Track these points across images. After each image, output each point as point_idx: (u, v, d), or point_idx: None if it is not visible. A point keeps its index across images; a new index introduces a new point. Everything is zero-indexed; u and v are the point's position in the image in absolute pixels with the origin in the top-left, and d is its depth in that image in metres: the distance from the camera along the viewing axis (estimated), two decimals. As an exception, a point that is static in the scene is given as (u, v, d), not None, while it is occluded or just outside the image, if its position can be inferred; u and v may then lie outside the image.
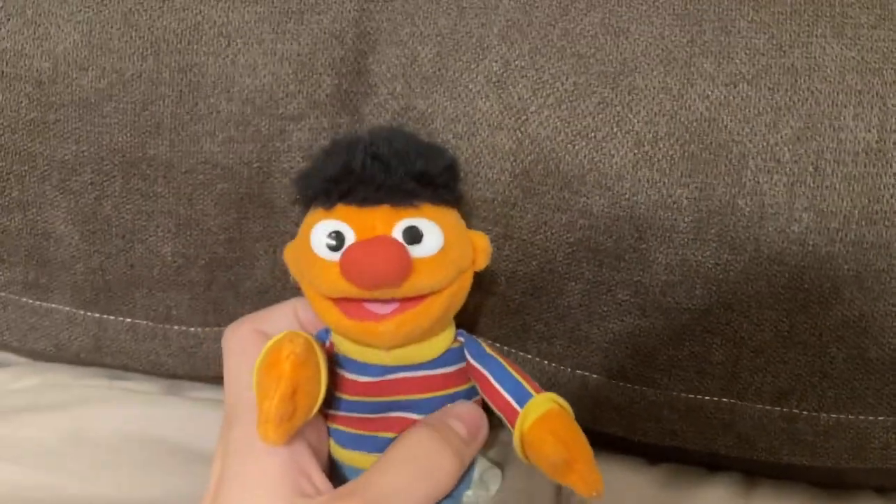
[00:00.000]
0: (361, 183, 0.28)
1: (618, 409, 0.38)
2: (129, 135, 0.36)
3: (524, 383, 0.29)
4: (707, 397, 0.37)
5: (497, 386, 0.29)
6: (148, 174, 0.37)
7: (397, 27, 0.36)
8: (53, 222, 0.38)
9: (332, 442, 0.31)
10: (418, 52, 0.36)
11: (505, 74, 0.35)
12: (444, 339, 0.31)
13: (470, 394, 0.31)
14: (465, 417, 0.30)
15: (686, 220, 0.34)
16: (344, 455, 0.31)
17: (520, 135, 0.35)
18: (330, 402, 0.30)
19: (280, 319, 0.32)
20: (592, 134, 0.35)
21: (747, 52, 0.34)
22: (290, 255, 0.31)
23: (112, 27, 0.35)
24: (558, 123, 0.35)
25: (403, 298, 0.28)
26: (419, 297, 0.28)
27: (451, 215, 0.30)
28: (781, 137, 0.34)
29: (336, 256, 0.28)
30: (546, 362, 0.38)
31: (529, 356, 0.38)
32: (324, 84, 0.36)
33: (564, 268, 0.36)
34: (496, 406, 0.30)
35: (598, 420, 0.39)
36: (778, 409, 0.37)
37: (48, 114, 0.36)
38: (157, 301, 0.39)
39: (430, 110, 0.36)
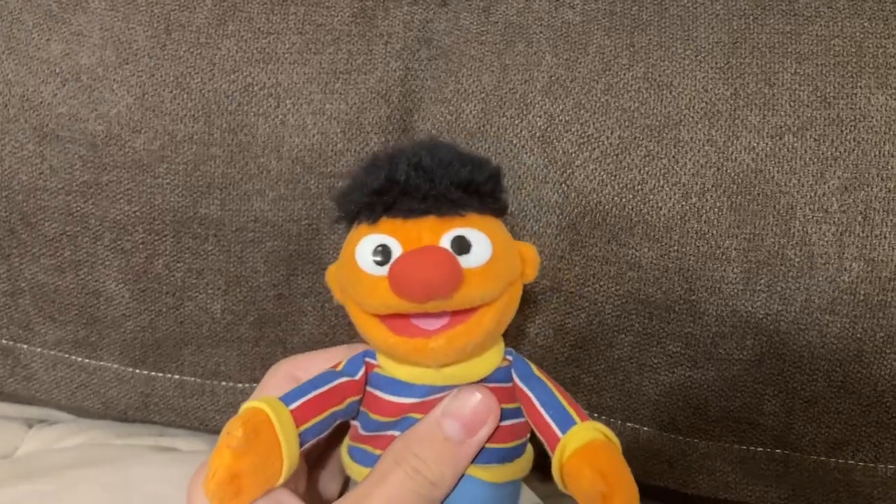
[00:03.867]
0: (405, 194, 0.27)
1: (669, 461, 0.38)
2: (180, 195, 0.37)
3: (569, 409, 0.28)
4: (760, 448, 0.37)
5: (541, 409, 0.28)
6: (199, 233, 0.37)
7: (442, 85, 0.37)
8: (105, 281, 0.38)
9: (352, 462, 0.30)
10: (463, 109, 0.37)
11: (549, 129, 0.36)
12: (494, 357, 0.30)
13: (516, 413, 0.30)
14: (458, 413, 0.28)
15: (735, 270, 0.34)
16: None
17: (566, 188, 0.35)
18: (369, 425, 0.29)
19: (320, 364, 0.31)
20: (639, 186, 0.35)
21: (792, 104, 0.35)
22: (332, 276, 0.30)
23: (164, 90, 0.36)
24: (604, 176, 0.35)
25: (454, 312, 0.27)
26: (469, 311, 0.27)
27: (498, 225, 0.29)
28: (829, 188, 0.34)
29: (383, 271, 0.27)
30: (596, 415, 0.38)
31: (579, 409, 0.38)
32: (371, 142, 0.36)
33: (613, 320, 0.36)
34: (539, 430, 0.28)
35: (650, 473, 0.38)
36: (833, 460, 0.36)
37: (101, 175, 0.37)
38: (205, 358, 0.39)
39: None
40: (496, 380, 0.29)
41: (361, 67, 0.37)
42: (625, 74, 0.36)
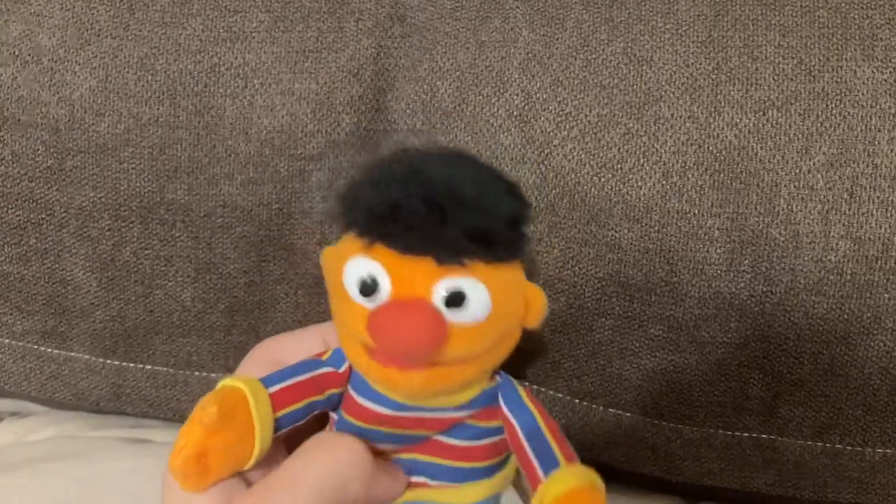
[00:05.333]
0: (408, 229, 0.24)
1: (653, 448, 0.37)
2: (146, 180, 0.36)
3: (555, 447, 0.26)
4: (746, 434, 0.36)
5: (524, 443, 0.27)
6: (166, 219, 0.36)
7: (416, 63, 0.36)
8: (72, 270, 0.37)
9: None
10: (438, 88, 0.36)
11: (526, 108, 0.35)
12: (475, 390, 0.28)
13: (496, 431, 0.29)
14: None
15: (718, 251, 0.33)
16: None
17: (543, 168, 0.34)
18: (343, 425, 0.28)
19: (305, 346, 0.30)
20: (619, 165, 0.34)
21: (775, 77, 0.34)
22: (327, 261, 0.28)
23: (128, 72, 0.35)
24: (583, 156, 0.34)
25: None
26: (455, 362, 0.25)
27: (507, 273, 0.26)
28: (814, 164, 0.33)
29: (365, 303, 0.25)
30: (577, 401, 0.37)
31: (560, 395, 0.37)
32: (343, 122, 0.35)
33: (594, 303, 0.35)
34: (521, 464, 0.27)
35: (633, 460, 0.37)
36: (820, 444, 0.35)
37: (65, 161, 0.36)
38: (177, 347, 0.39)
39: (451, 146, 0.35)
40: (478, 404, 0.28)
41: (332, 45, 0.36)
42: (604, 50, 0.35)
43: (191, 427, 0.25)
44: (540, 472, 0.25)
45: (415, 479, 0.28)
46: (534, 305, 0.27)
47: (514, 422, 0.27)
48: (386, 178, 0.25)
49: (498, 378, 0.28)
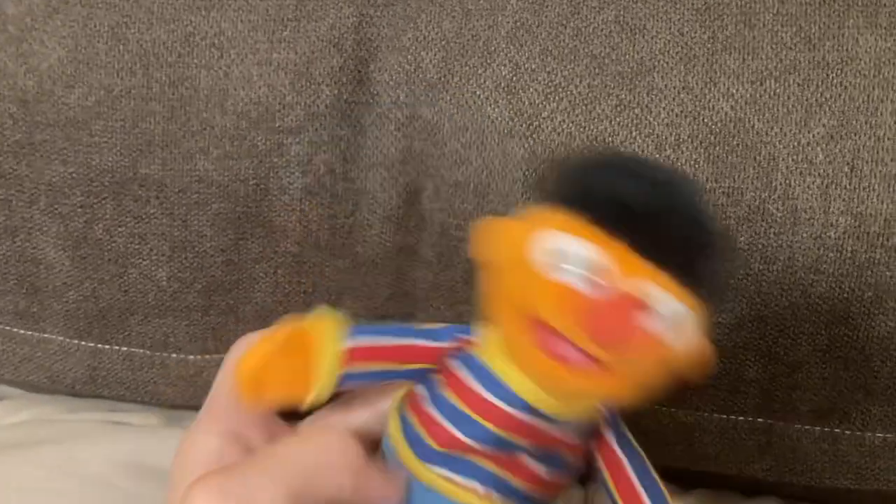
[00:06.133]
0: (647, 229, 0.22)
1: (646, 432, 0.35)
2: (119, 154, 0.34)
3: (663, 489, 0.25)
4: (741, 417, 0.35)
5: (633, 478, 0.25)
6: (140, 195, 0.35)
7: (399, 33, 0.35)
8: (43, 248, 0.36)
9: (400, 433, 0.26)
10: (422, 58, 0.34)
11: (514, 79, 0.34)
12: (587, 409, 0.26)
13: (574, 468, 0.27)
14: None
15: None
16: (423, 473, 0.26)
17: (532, 142, 0.33)
18: (448, 411, 0.25)
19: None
20: (610, 138, 0.33)
21: (773, 46, 0.32)
22: (497, 233, 0.25)
23: (99, 42, 0.34)
24: (573, 129, 0.33)
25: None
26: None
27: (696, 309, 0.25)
28: (813, 136, 0.32)
29: (570, 280, 0.22)
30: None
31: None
32: (323, 94, 0.34)
33: (584, 282, 0.34)
34: (623, 499, 0.26)
35: (625, 444, 0.36)
36: (818, 428, 0.34)
37: (34, 134, 0.34)
38: (153, 328, 0.37)
39: (436, 119, 0.34)
40: (582, 430, 0.26)
41: (311, 14, 0.34)
42: (595, 18, 0.34)
43: (262, 343, 0.25)
44: None
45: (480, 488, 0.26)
46: (702, 356, 0.25)
47: (622, 458, 0.26)
48: (637, 170, 0.24)
49: (604, 411, 0.27)
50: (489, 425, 0.25)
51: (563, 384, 0.23)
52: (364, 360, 0.25)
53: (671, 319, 0.23)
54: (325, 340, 0.25)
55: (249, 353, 0.25)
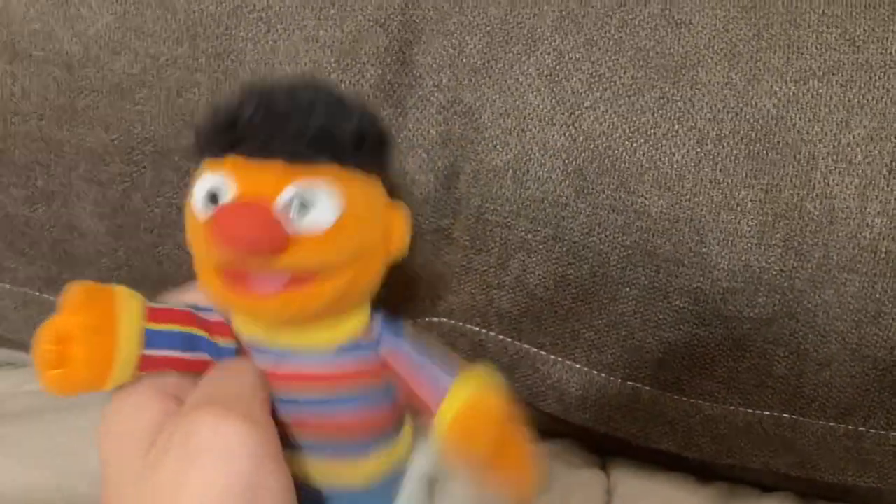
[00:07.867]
0: (251, 134, 0.24)
1: (671, 423, 0.36)
2: (161, 124, 0.34)
3: (451, 358, 0.26)
4: (767, 412, 0.35)
5: (422, 362, 0.26)
6: (180, 166, 0.35)
7: (445, 17, 0.35)
8: (79, 214, 0.36)
9: None
10: (466, 43, 0.34)
11: (558, 67, 0.34)
12: (351, 326, 0.26)
13: (385, 395, 0.27)
14: None
15: (750, 223, 0.32)
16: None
17: (573, 131, 0.33)
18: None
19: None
20: (652, 131, 0.33)
21: (818, 46, 0.32)
22: (187, 207, 0.26)
23: (147, 9, 0.34)
24: (615, 119, 0.33)
25: (292, 277, 0.24)
26: (309, 277, 0.24)
27: (362, 183, 0.25)
28: (854, 137, 0.32)
29: (210, 212, 0.24)
30: (595, 372, 0.36)
31: (578, 366, 0.36)
32: (367, 74, 0.34)
33: (618, 272, 0.34)
34: (416, 385, 0.26)
35: (650, 435, 0.36)
36: (843, 426, 0.35)
37: (77, 100, 0.34)
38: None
39: (477, 104, 0.34)
40: (352, 354, 0.26)
41: (359, -6, 0.34)
42: (641, 10, 0.34)
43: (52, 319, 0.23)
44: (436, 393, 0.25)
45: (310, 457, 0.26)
46: (396, 226, 0.26)
47: (403, 352, 0.26)
48: (228, 101, 0.25)
49: (378, 328, 0.27)
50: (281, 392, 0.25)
51: (263, 311, 0.24)
52: (166, 319, 0.25)
53: (312, 210, 0.23)
54: (122, 300, 0.24)
55: (47, 326, 0.23)
